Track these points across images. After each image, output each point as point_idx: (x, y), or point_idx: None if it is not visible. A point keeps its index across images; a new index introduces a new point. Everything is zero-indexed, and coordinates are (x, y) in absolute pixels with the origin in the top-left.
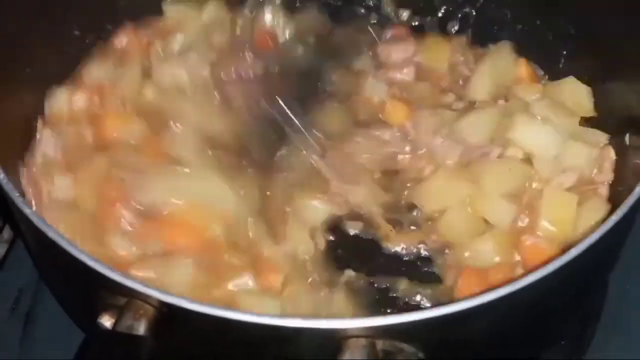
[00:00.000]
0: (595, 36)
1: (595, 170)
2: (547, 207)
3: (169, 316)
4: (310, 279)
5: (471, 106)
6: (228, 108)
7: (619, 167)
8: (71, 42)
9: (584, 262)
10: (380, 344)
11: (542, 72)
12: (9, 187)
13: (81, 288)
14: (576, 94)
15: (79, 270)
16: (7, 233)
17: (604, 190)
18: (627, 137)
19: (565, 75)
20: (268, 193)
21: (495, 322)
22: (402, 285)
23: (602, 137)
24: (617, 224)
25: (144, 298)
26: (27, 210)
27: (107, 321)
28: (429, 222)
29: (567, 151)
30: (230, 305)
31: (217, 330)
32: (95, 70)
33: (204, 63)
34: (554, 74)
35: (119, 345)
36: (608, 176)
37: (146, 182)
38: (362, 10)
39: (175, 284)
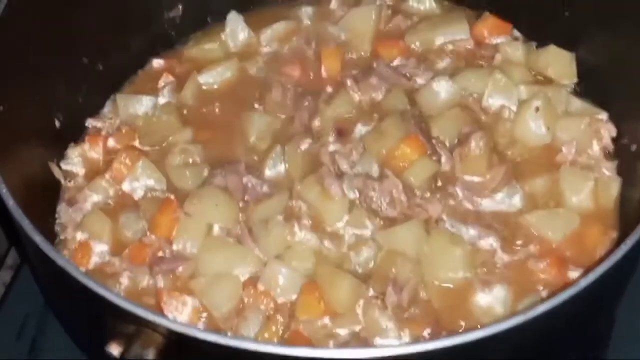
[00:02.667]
0: None
1: (595, 142)
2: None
3: (178, 345)
4: None
5: None
6: None
7: (626, 196)
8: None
9: (592, 294)
10: None
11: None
12: (18, 214)
13: (89, 315)
14: (559, 60)
15: (87, 297)
16: (11, 259)
17: (611, 167)
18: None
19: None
20: None
21: (502, 353)
22: None
23: (594, 110)
24: (625, 255)
25: (153, 326)
26: (36, 238)
27: (115, 349)
28: None
29: (560, 126)
30: None
31: (225, 359)
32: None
33: None
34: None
35: None
36: (609, 146)
37: None
38: None
39: None
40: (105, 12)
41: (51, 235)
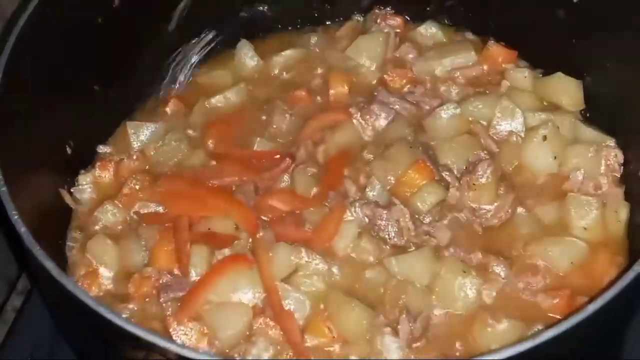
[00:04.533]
0: None
1: (602, 169)
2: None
3: None
4: None
5: None
6: None
7: (634, 222)
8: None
9: (600, 319)
10: None
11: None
12: (29, 240)
13: (99, 340)
14: (566, 88)
15: (97, 322)
16: (21, 284)
17: (619, 193)
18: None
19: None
20: None
21: None
22: None
23: (601, 137)
24: (635, 279)
25: (162, 351)
26: (47, 264)
27: None
28: None
29: (567, 154)
30: None
31: None
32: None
33: None
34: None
35: None
36: (617, 172)
37: None
38: None
39: None
40: (115, 40)
41: (61, 261)
